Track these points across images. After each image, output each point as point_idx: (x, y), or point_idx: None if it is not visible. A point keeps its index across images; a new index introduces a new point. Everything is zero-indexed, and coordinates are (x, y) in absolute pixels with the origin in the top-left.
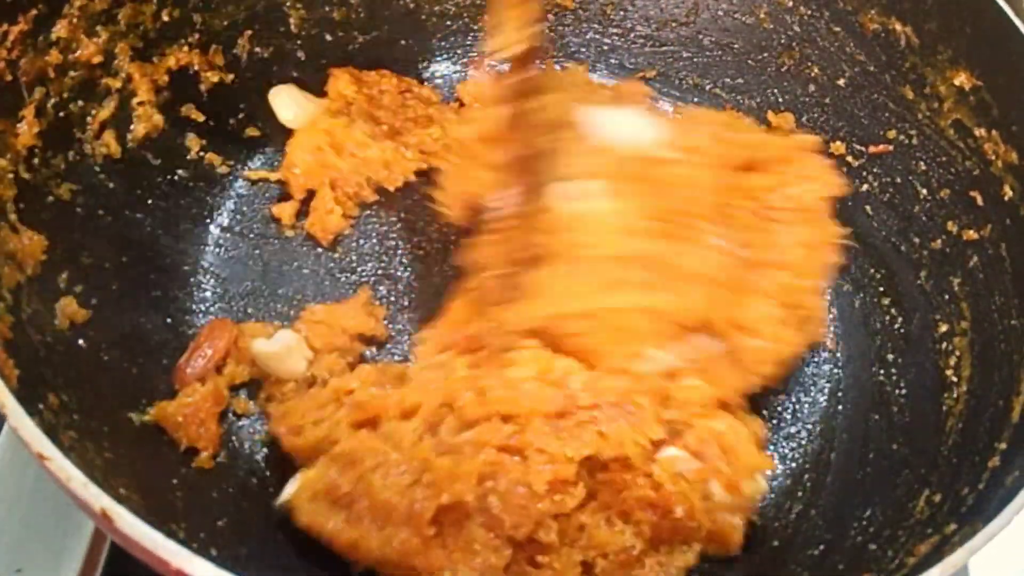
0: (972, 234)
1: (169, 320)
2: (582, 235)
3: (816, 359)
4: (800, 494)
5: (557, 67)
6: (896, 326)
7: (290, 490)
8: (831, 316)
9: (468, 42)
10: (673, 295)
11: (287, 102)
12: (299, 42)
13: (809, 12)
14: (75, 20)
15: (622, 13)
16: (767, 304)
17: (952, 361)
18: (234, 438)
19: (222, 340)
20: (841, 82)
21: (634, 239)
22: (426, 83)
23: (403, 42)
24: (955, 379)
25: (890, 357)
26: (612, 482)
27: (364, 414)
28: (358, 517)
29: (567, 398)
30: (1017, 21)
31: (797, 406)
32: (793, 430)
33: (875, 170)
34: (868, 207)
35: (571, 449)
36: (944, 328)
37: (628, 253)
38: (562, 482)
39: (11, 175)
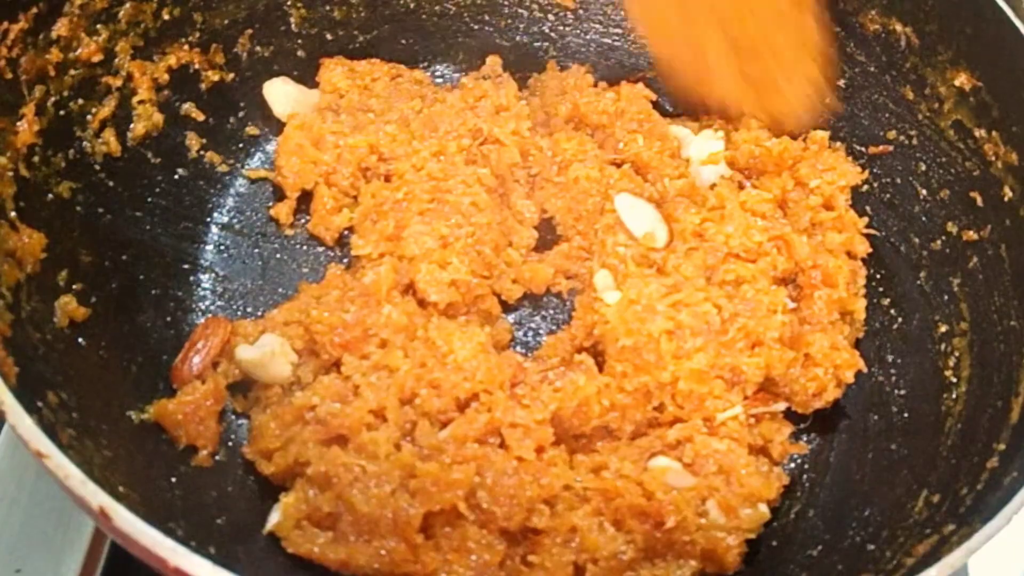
0: (972, 235)
1: (168, 319)
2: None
3: None
4: (799, 494)
5: (558, 67)
6: (896, 326)
7: (274, 519)
8: None
9: (468, 41)
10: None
11: (280, 96)
12: (300, 41)
13: None
14: (76, 18)
15: (623, 13)
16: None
17: (951, 362)
18: (233, 436)
19: (216, 337)
20: (841, 82)
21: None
22: None
23: (403, 41)
24: (954, 380)
25: (890, 357)
26: (604, 490)
27: (330, 432)
28: (344, 535)
29: (515, 366)
30: (1017, 21)
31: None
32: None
33: (875, 170)
34: (868, 207)
35: (538, 412)
36: (943, 329)
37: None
38: (545, 448)
39: (11, 173)
